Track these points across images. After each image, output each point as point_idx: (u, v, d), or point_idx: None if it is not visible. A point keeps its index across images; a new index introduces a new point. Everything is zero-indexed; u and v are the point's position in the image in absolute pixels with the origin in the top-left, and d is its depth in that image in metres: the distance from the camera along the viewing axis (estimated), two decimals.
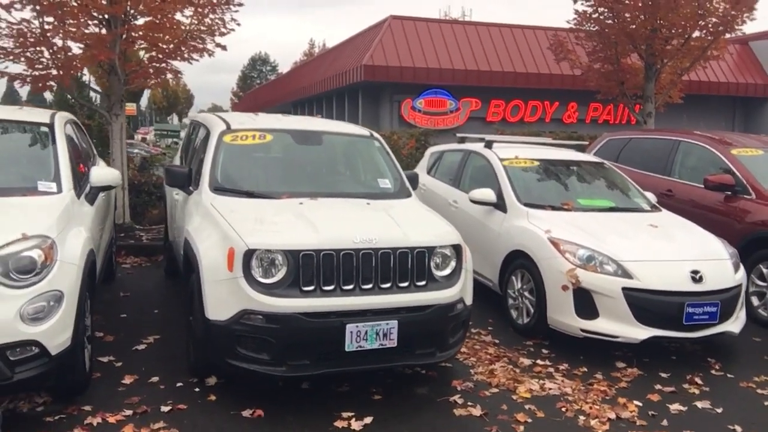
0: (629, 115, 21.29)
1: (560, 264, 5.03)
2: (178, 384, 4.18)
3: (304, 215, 4.15)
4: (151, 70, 8.60)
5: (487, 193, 6.02)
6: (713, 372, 4.84)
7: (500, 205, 5.99)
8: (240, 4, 8.51)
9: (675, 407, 4.16)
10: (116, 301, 6.03)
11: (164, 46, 8.36)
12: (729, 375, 4.79)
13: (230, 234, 3.88)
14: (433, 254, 4.10)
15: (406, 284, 3.98)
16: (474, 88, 19.85)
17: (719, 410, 4.15)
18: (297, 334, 3.73)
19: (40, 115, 4.96)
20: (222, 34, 8.63)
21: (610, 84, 11.31)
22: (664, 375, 4.72)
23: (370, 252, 3.89)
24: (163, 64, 8.30)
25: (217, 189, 4.62)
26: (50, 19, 7.62)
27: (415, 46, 19.58)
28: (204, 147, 5.21)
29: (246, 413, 3.80)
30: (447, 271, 4.19)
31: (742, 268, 5.32)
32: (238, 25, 8.64)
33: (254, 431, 3.64)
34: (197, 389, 4.11)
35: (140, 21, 8.21)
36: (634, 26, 10.38)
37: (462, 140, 7.53)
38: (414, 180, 5.45)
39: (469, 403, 4.08)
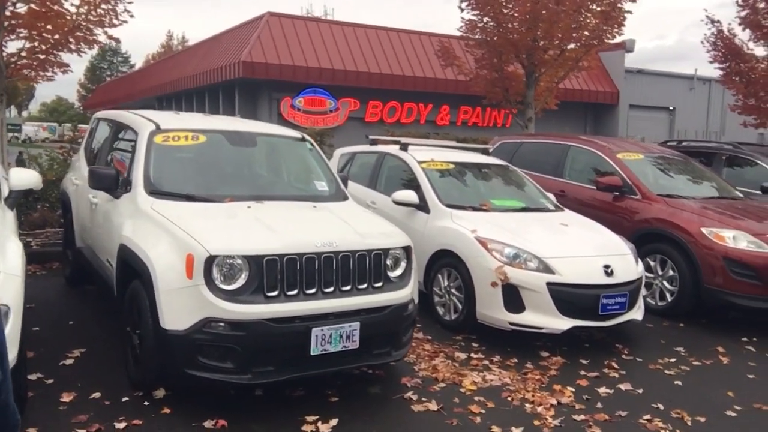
0: (496, 118, 22.63)
1: (488, 262, 5.32)
2: (124, 399, 3.96)
3: (260, 219, 4.08)
4: (34, 63, 7.91)
5: (410, 195, 6.20)
6: (624, 357, 5.36)
7: (423, 206, 6.19)
8: None
9: (603, 390, 4.57)
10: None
11: (48, 36, 7.73)
12: (638, 359, 5.33)
13: (186, 240, 3.74)
14: (387, 256, 4.20)
15: (364, 286, 4.06)
16: (353, 89, 20.07)
17: (640, 391, 4.62)
18: (263, 341, 3.68)
19: None
20: (113, 26, 8.12)
21: (495, 90, 11.99)
22: (584, 362, 5.15)
23: (331, 255, 3.92)
24: (51, 56, 7.66)
25: (154, 192, 4.40)
26: None
27: (294, 44, 19.44)
28: (129, 148, 4.93)
29: (208, 424, 3.68)
30: (399, 272, 4.31)
31: (640, 261, 5.92)
32: (132, 16, 8.18)
33: None
34: (146, 403, 3.91)
35: (21, 8, 7.54)
36: (517, 36, 11.08)
37: (374, 142, 7.67)
38: (344, 182, 5.51)
39: (424, 399, 4.24)
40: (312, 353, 3.79)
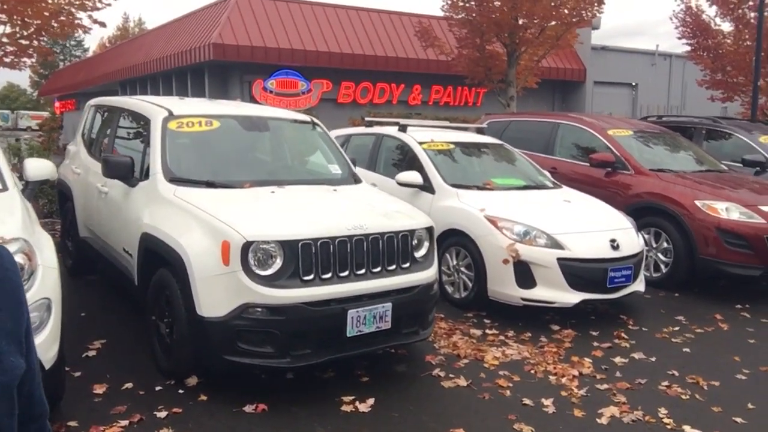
0: (467, 97, 22.71)
1: (499, 240, 5.42)
2: (158, 388, 3.95)
3: (288, 204, 4.09)
4: (11, 48, 7.66)
5: (414, 176, 6.24)
6: (630, 327, 5.54)
7: (427, 186, 6.25)
8: None
9: (618, 360, 4.74)
10: None
11: (30, 21, 7.50)
12: (644, 329, 5.52)
13: (220, 227, 3.73)
14: (413, 237, 4.26)
15: (393, 267, 4.11)
16: (325, 70, 19.90)
17: (653, 359, 4.80)
18: (301, 324, 3.71)
19: None
20: (96, 9, 7.91)
21: (477, 69, 12.07)
22: (594, 333, 5.31)
23: (362, 238, 3.96)
24: (34, 42, 7.43)
25: (174, 179, 4.36)
26: None
27: (264, 25, 19.17)
28: (140, 135, 4.86)
29: (248, 409, 3.71)
30: (423, 252, 4.37)
31: (641, 234, 6.09)
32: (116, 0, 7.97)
33: (265, 425, 3.58)
34: (181, 391, 3.92)
35: None
36: (499, 14, 11.16)
37: (370, 124, 7.67)
38: (353, 164, 5.53)
39: (451, 375, 4.33)
40: (348, 335, 3.84)
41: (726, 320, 5.80)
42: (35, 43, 7.53)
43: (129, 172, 4.56)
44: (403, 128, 6.99)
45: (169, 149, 4.55)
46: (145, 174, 4.53)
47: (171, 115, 4.74)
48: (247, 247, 3.62)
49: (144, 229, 4.21)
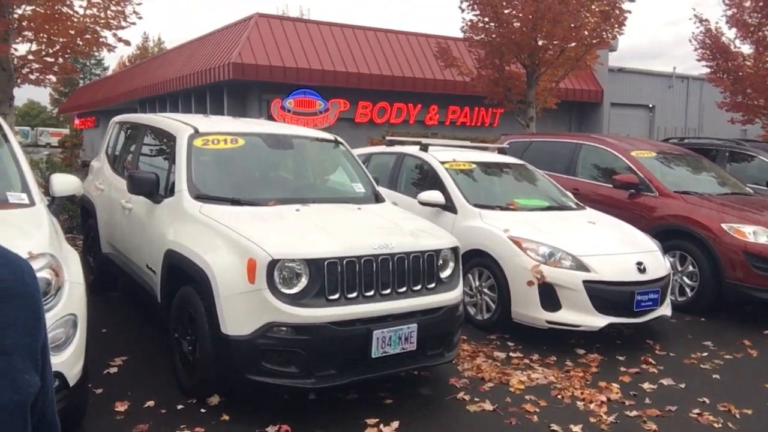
0: (484, 117, 22.72)
1: (524, 261, 5.35)
2: (179, 406, 3.90)
3: (313, 222, 4.06)
4: (37, 65, 7.76)
5: (436, 196, 6.20)
6: (657, 352, 5.42)
7: (449, 206, 6.20)
8: None
9: (647, 386, 4.63)
10: None
11: (56, 39, 7.59)
12: (671, 354, 5.40)
13: (246, 244, 3.70)
14: (438, 257, 4.21)
15: (419, 288, 4.05)
16: (342, 90, 20.02)
17: (683, 386, 4.68)
18: (327, 344, 3.65)
19: None
20: (121, 28, 8.00)
21: (497, 90, 12.06)
22: (621, 358, 5.20)
23: (388, 257, 3.91)
24: (60, 60, 7.51)
25: (199, 196, 4.35)
26: None
27: (283, 45, 19.34)
28: (165, 152, 4.87)
29: (271, 429, 3.64)
30: (448, 272, 4.31)
31: (667, 257, 6.00)
32: (140, 18, 8.07)
33: None
34: (203, 410, 3.86)
35: (22, 10, 7.38)
36: (519, 36, 11.17)
37: (391, 143, 7.66)
38: (377, 183, 5.50)
39: (476, 399, 4.24)
40: (373, 356, 3.78)
41: (755, 346, 5.67)
42: (60, 60, 7.60)
43: (154, 189, 4.55)
44: (424, 148, 6.97)
45: (194, 166, 4.54)
46: (170, 191, 4.52)
47: (197, 133, 4.75)
48: (273, 265, 3.58)
49: (168, 246, 4.19)
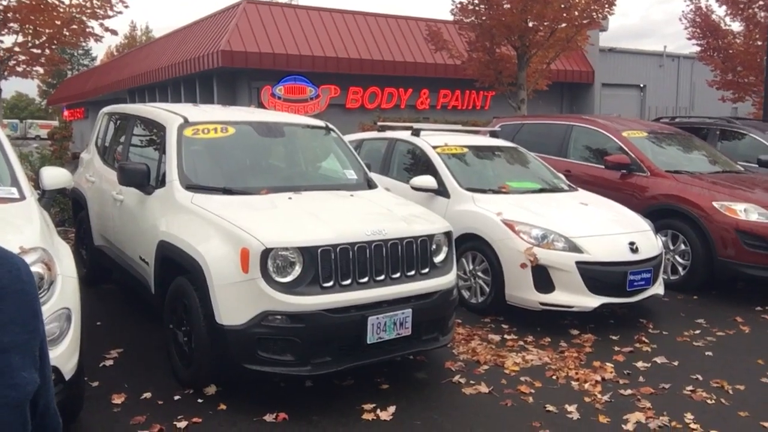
0: (475, 101, 22.68)
1: (517, 244, 5.37)
2: (176, 397, 3.91)
3: (306, 210, 4.06)
4: (24, 57, 7.68)
5: (429, 180, 6.20)
6: (651, 331, 5.47)
7: (442, 191, 6.20)
8: None
9: (641, 364, 4.67)
10: None
11: (42, 30, 7.51)
12: (664, 332, 5.45)
13: (239, 234, 3.70)
14: (432, 242, 4.21)
15: (412, 273, 4.06)
16: (333, 75, 19.94)
17: (676, 363, 4.73)
18: (322, 332, 3.67)
19: None
20: (108, 17, 7.92)
21: (488, 72, 12.03)
22: (614, 337, 5.25)
23: (381, 243, 3.92)
24: (47, 51, 7.44)
25: (190, 186, 4.34)
26: None
27: (272, 31, 19.20)
28: (155, 142, 4.84)
29: (269, 418, 3.67)
30: (442, 257, 4.32)
31: (659, 236, 6.03)
32: (126, 7, 7.99)
33: None
34: (200, 400, 3.88)
35: (7, 1, 7.28)
36: (509, 17, 11.12)
37: (382, 129, 7.64)
38: (369, 169, 5.49)
39: (472, 381, 4.28)
40: (368, 342, 3.80)
41: (747, 323, 5.72)
42: (47, 51, 7.52)
43: (145, 180, 4.53)
44: (416, 132, 6.96)
45: (185, 156, 4.52)
46: (161, 181, 4.50)
47: (186, 122, 4.72)
48: (266, 253, 3.58)
49: (161, 237, 4.19)
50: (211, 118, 4.90)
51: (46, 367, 1.01)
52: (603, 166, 7.57)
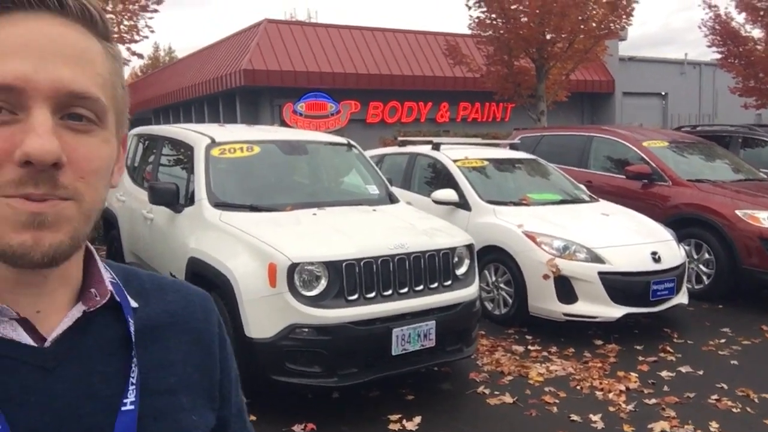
0: (495, 113, 22.73)
1: (539, 255, 5.42)
2: None
3: (330, 225, 4.16)
4: None
5: (450, 194, 6.29)
6: (675, 340, 5.47)
7: (463, 204, 6.28)
8: (155, 11, 8.10)
9: (665, 374, 4.68)
10: None
11: None
12: (689, 341, 5.44)
13: (266, 249, 3.81)
14: (454, 255, 4.29)
15: (435, 285, 4.14)
16: (353, 91, 20.15)
17: (701, 372, 4.73)
18: (348, 344, 3.76)
19: None
20: (134, 41, 8.16)
21: (507, 85, 12.12)
22: (639, 347, 5.26)
23: (404, 257, 4.01)
24: None
25: (218, 204, 4.47)
26: None
27: (292, 49, 19.51)
28: (186, 162, 5.00)
29: (297, 428, 3.76)
30: (464, 269, 4.40)
31: (681, 246, 6.03)
32: (152, 32, 8.22)
33: None
34: None
35: None
36: (527, 31, 11.21)
37: (403, 144, 7.75)
38: (390, 184, 5.60)
39: (496, 392, 4.33)
40: (393, 353, 3.88)
41: None
42: None
43: (174, 199, 4.68)
44: (436, 147, 7.06)
45: (213, 175, 4.67)
46: (190, 200, 4.65)
47: (213, 143, 4.87)
48: (293, 268, 3.69)
49: (191, 254, 4.32)
50: (237, 137, 5.05)
51: (228, 407, 0.92)
52: (624, 177, 7.59)
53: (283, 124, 19.66)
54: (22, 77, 0.62)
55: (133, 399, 0.74)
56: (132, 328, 0.78)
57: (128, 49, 7.95)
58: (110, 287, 0.78)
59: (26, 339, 0.71)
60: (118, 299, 0.79)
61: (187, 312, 0.88)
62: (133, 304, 0.82)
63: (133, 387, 0.75)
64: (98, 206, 0.71)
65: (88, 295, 0.76)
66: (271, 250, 3.78)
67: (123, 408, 0.73)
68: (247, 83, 18.47)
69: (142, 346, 0.79)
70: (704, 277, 6.71)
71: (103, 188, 0.72)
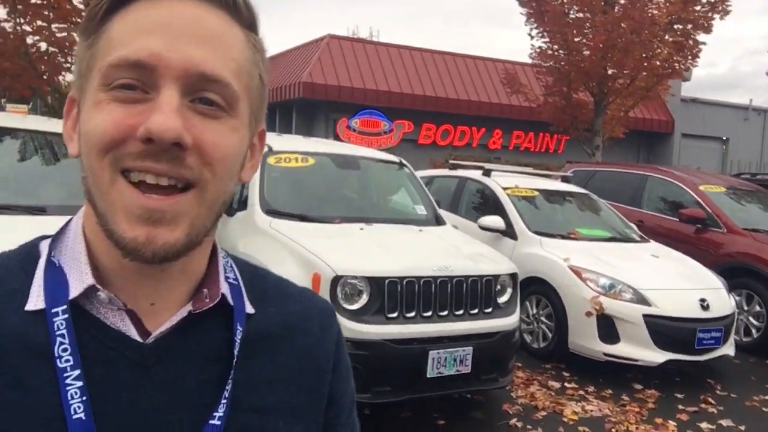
0: (548, 143, 22.55)
1: (583, 291, 5.34)
2: None
3: (376, 241, 4.20)
4: None
5: (497, 221, 6.26)
6: (718, 392, 5.30)
7: (509, 232, 6.25)
8: None
9: (705, 426, 4.54)
10: None
11: None
12: (732, 395, 5.26)
13: (312, 259, 3.87)
14: (497, 282, 4.27)
15: (476, 311, 4.12)
16: (407, 111, 20.29)
17: (743, 428, 4.56)
18: (384, 361, 3.76)
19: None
20: None
21: (563, 117, 12.04)
22: (679, 396, 5.11)
23: (446, 280, 4.01)
24: None
25: (270, 211, 4.56)
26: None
27: (352, 66, 19.79)
28: None
29: None
30: (506, 298, 4.37)
31: (732, 296, 5.86)
32: None
33: None
34: None
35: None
36: (588, 64, 11.15)
37: (453, 167, 7.77)
38: (438, 206, 5.61)
39: (529, 426, 4.27)
40: (428, 375, 3.87)
41: None
42: None
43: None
44: (487, 173, 7.05)
45: (267, 182, 4.76)
46: (243, 204, 4.75)
47: (271, 151, 4.98)
48: (336, 280, 3.74)
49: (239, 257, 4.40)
50: (293, 147, 5.15)
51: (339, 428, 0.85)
52: (677, 219, 7.43)
53: (337, 138, 19.92)
54: (155, 54, 0.61)
55: (221, 414, 0.69)
56: (239, 337, 0.73)
57: None
58: (224, 289, 0.74)
59: (133, 332, 0.68)
60: (231, 302, 0.74)
61: (303, 325, 0.81)
62: (250, 309, 0.77)
63: (225, 401, 0.70)
64: (222, 199, 0.68)
65: (199, 295, 0.72)
66: (317, 260, 3.83)
67: (210, 421, 0.68)
68: (306, 95, 18.79)
69: (247, 356, 0.73)
70: (753, 330, 6.49)
71: (230, 180, 0.68)
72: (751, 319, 6.52)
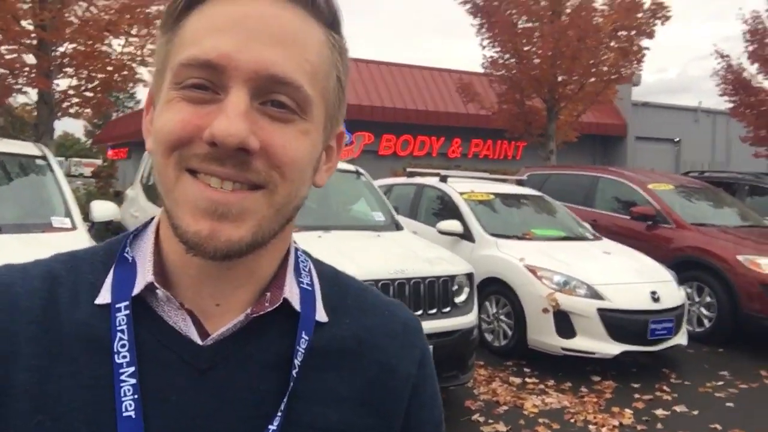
0: (507, 150, 22.93)
1: (539, 289, 5.50)
2: None
3: (334, 248, 4.27)
4: (77, 100, 8.19)
5: (455, 225, 6.39)
6: (673, 380, 5.49)
7: (467, 235, 6.39)
8: None
9: (660, 412, 4.71)
10: None
11: (95, 75, 8.03)
12: (686, 382, 5.46)
13: None
14: (453, 282, 4.39)
15: (434, 311, 4.23)
16: (367, 123, 20.41)
17: (696, 413, 4.75)
18: None
19: (23, 147, 4.68)
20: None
21: (517, 124, 12.32)
22: (635, 385, 5.28)
23: (404, 282, 4.11)
24: (99, 95, 7.94)
25: None
26: None
27: None
28: None
29: None
30: (463, 297, 4.49)
31: (682, 287, 6.09)
32: None
33: None
34: None
35: (64, 48, 7.84)
36: (539, 72, 11.47)
37: (411, 175, 7.90)
38: (396, 212, 5.72)
39: (491, 421, 4.37)
40: None
41: None
42: (99, 95, 8.04)
43: None
44: (444, 179, 7.19)
45: None
46: None
47: None
48: None
49: None
50: None
51: None
52: (629, 217, 7.68)
53: None
54: (225, 55, 0.59)
55: (275, 427, 0.65)
56: (303, 346, 0.68)
57: (150, 71, 8.22)
58: (289, 294, 0.70)
59: (193, 333, 0.66)
60: (297, 308, 0.70)
61: (380, 341, 0.74)
62: (322, 318, 0.72)
63: (281, 414, 0.65)
64: (293, 203, 0.65)
65: (261, 299, 0.68)
66: None
67: None
68: None
69: (312, 368, 0.68)
70: (705, 320, 6.74)
71: (302, 184, 0.65)
72: (702, 309, 6.77)
